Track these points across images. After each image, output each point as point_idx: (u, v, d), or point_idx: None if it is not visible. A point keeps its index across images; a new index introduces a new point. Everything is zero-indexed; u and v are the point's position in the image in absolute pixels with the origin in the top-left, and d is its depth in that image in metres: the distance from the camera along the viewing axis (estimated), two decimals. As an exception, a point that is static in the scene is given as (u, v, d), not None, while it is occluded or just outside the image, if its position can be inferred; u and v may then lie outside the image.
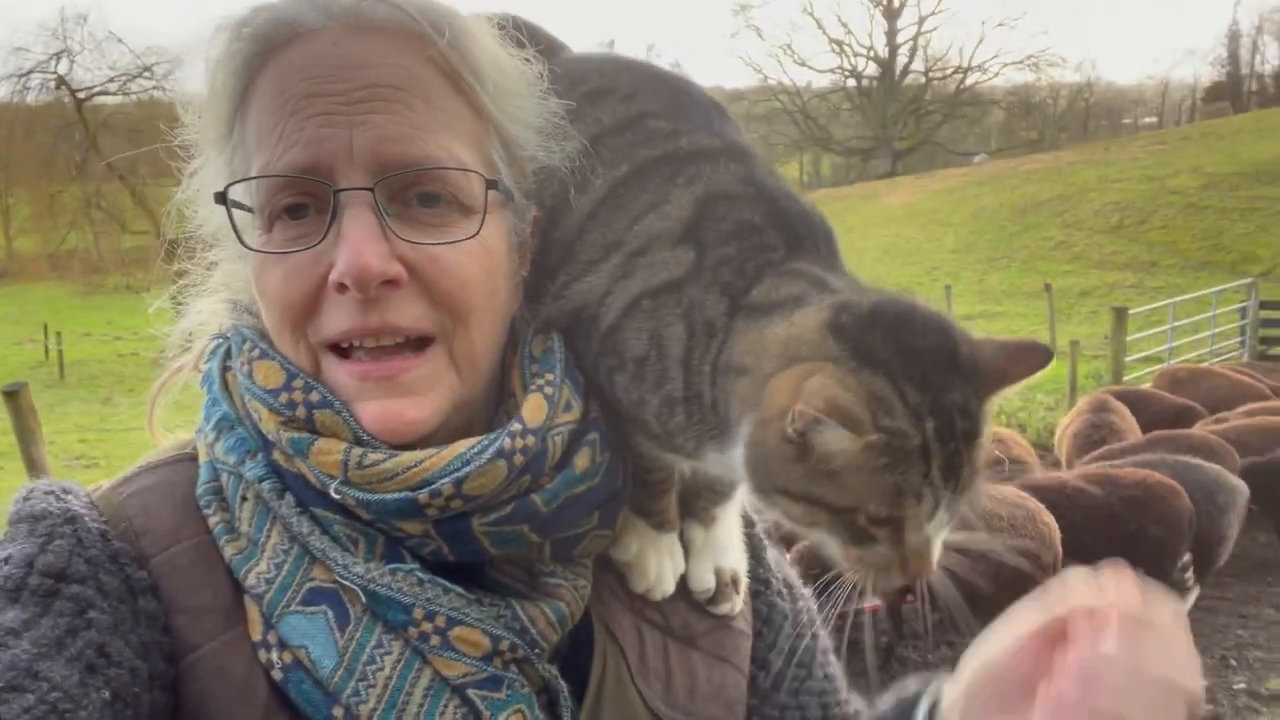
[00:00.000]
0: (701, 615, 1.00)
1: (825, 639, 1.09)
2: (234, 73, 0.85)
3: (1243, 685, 5.98)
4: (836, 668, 1.09)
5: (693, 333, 0.82)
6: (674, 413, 0.84)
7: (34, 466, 6.88)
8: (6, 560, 0.77)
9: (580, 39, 1.00)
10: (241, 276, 0.93)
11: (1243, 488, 6.91)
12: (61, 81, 28.79)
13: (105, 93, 29.35)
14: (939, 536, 0.78)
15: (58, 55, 28.78)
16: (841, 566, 0.80)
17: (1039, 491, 5.92)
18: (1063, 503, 5.90)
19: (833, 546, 0.78)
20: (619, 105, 0.91)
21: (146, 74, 29.09)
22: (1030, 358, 0.79)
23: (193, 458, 0.91)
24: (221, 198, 0.84)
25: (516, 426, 0.83)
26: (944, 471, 0.74)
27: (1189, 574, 6.94)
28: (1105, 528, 6.17)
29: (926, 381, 0.74)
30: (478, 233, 0.84)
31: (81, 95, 28.82)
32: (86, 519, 0.82)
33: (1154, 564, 6.44)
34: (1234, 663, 6.29)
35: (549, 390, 0.87)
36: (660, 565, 0.96)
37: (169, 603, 0.81)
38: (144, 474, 0.90)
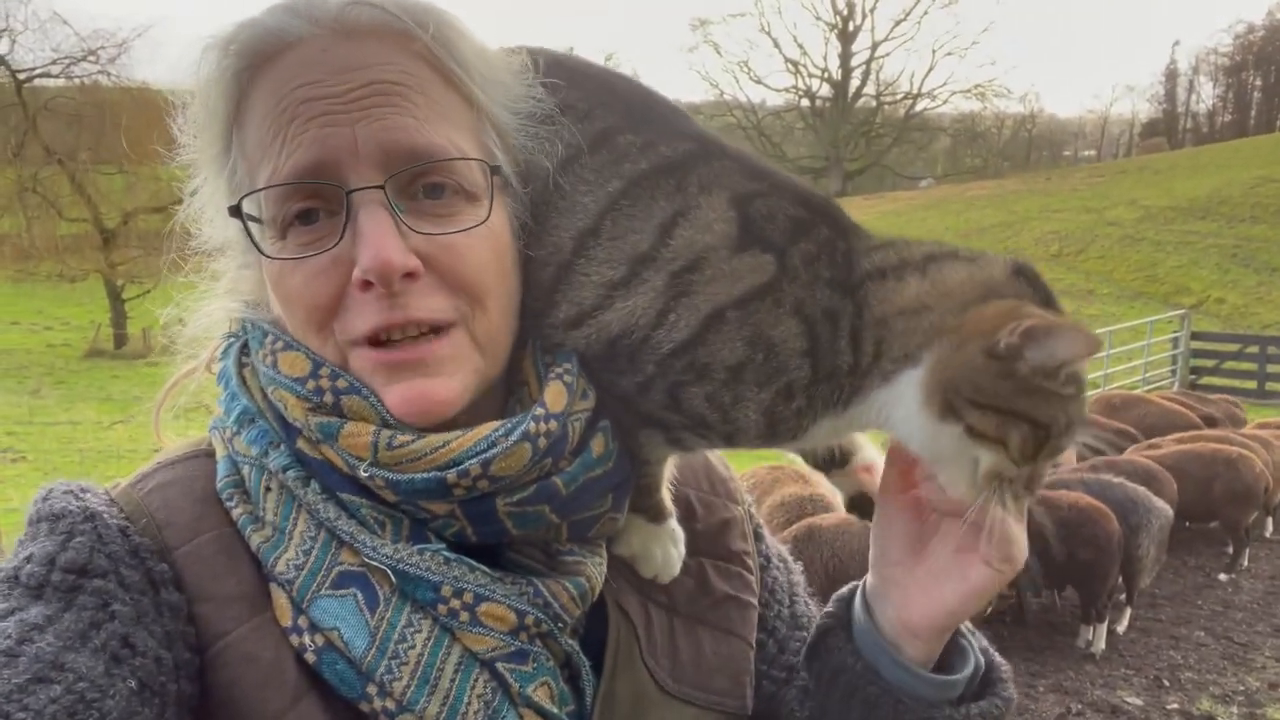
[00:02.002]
0: (707, 592, 1.04)
1: (814, 605, 1.15)
2: (225, 89, 0.86)
3: (1176, 706, 6.12)
4: None
5: (813, 324, 0.84)
6: (793, 399, 0.85)
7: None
8: (29, 559, 0.79)
9: (539, 44, 0.99)
10: (250, 280, 0.95)
11: (1163, 510, 7.06)
12: (1, 61, 27.84)
13: (47, 75, 28.41)
14: None
15: (-2, 34, 27.83)
16: (967, 486, 0.82)
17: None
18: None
19: (989, 462, 0.80)
20: (580, 125, 0.92)
21: (91, 58, 28.18)
22: None
23: (209, 454, 0.93)
24: (236, 211, 0.86)
25: (540, 411, 0.86)
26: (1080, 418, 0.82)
27: (1124, 595, 7.12)
28: (1037, 549, 6.29)
29: None
30: (487, 219, 0.86)
31: (22, 77, 27.86)
32: (105, 515, 0.83)
33: (1085, 585, 6.59)
34: (1167, 684, 6.43)
35: (568, 379, 0.89)
36: (664, 551, 1.00)
37: (193, 593, 0.83)
38: (162, 470, 0.92)
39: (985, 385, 0.77)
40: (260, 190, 0.84)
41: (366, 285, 0.81)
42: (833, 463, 1.03)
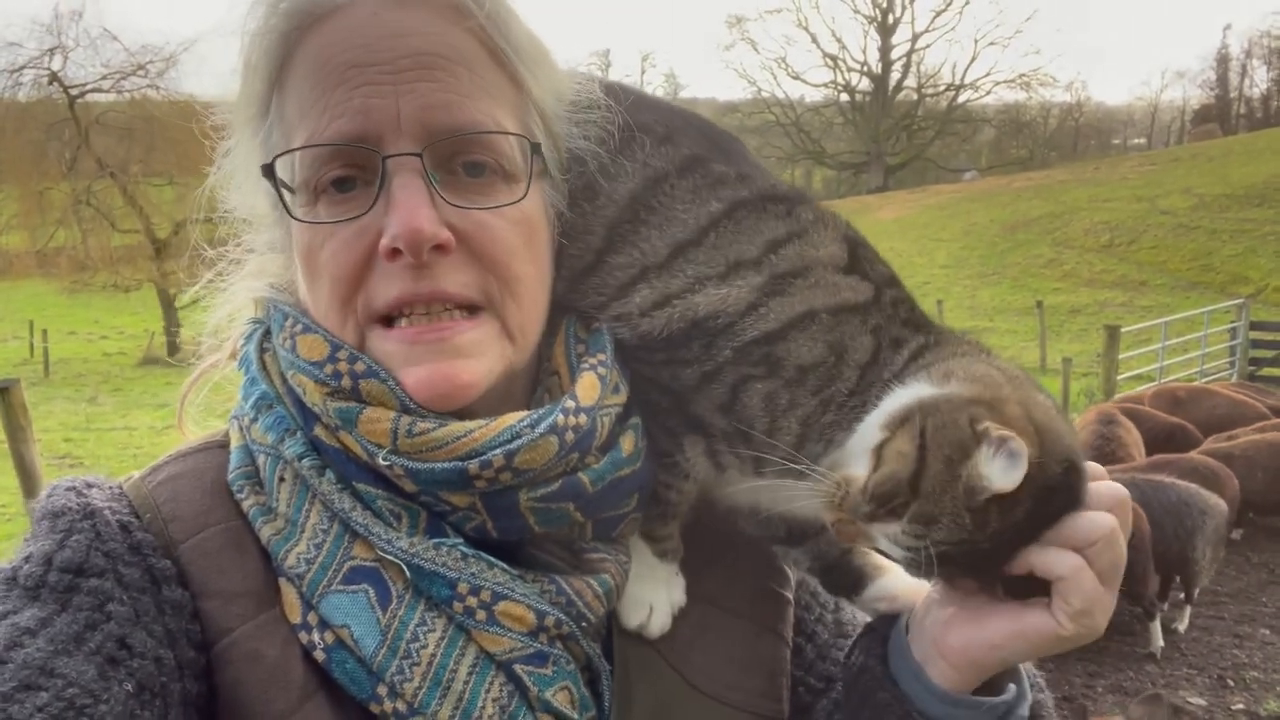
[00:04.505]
0: (746, 582, 1.00)
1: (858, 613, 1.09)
2: (270, 48, 0.84)
3: (1241, 706, 5.96)
4: None
5: (880, 346, 0.87)
6: (827, 412, 0.86)
7: (24, 465, 6.75)
8: (27, 559, 0.78)
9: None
10: (278, 263, 0.94)
11: (1219, 507, 6.89)
12: (54, 78, 28.51)
13: (98, 90, 28.99)
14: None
15: (51, 51, 28.41)
16: (823, 481, 0.84)
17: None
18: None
19: (851, 475, 0.83)
20: (663, 147, 0.92)
21: (140, 72, 28.70)
22: None
23: (223, 445, 0.92)
24: (269, 171, 0.84)
25: (570, 404, 0.84)
26: None
27: (1183, 595, 6.94)
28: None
29: None
30: (523, 198, 0.84)
31: (74, 92, 28.53)
32: (106, 512, 0.81)
33: (1125, 586, 6.42)
34: (1231, 683, 6.27)
35: (602, 371, 0.88)
36: (656, 598, 0.94)
37: (198, 588, 0.81)
38: (174, 462, 0.91)
39: (941, 429, 0.79)
40: (297, 150, 0.82)
41: (394, 254, 0.79)
42: (850, 587, 0.98)
